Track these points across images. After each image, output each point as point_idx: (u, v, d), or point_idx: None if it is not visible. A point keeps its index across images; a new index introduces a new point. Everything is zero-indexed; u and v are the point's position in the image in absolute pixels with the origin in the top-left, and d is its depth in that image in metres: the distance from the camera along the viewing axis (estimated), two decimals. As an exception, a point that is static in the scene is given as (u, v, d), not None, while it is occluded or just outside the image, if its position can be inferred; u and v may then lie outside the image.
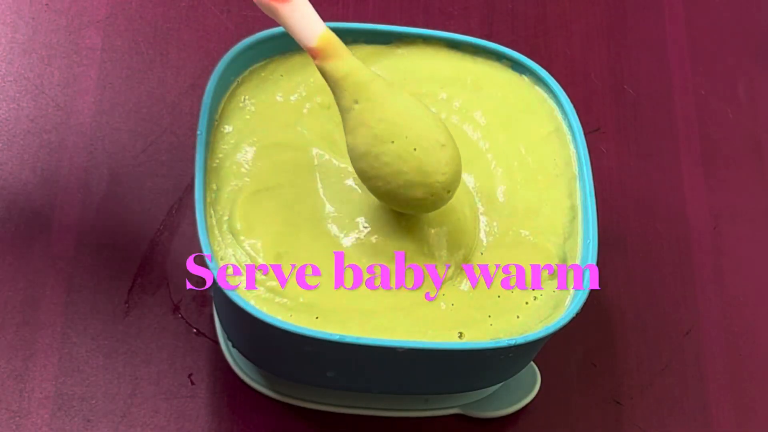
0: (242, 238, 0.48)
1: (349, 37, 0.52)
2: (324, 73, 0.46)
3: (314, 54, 0.46)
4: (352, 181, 0.50)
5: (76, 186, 0.60)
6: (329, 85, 0.46)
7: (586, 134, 0.52)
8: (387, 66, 0.54)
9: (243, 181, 0.49)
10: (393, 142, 0.45)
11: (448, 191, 0.47)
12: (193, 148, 0.49)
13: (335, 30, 0.46)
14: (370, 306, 0.48)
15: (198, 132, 0.49)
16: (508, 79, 0.54)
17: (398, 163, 0.46)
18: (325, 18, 0.46)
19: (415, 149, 0.45)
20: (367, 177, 0.47)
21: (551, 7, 0.70)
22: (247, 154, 0.50)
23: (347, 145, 0.47)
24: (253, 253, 0.47)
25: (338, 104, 0.47)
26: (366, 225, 0.49)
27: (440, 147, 0.46)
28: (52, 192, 0.60)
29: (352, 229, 0.49)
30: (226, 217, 0.48)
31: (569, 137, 0.53)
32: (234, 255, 0.47)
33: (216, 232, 0.48)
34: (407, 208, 0.48)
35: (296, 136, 0.51)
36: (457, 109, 0.53)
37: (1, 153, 0.60)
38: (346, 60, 0.46)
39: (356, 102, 0.46)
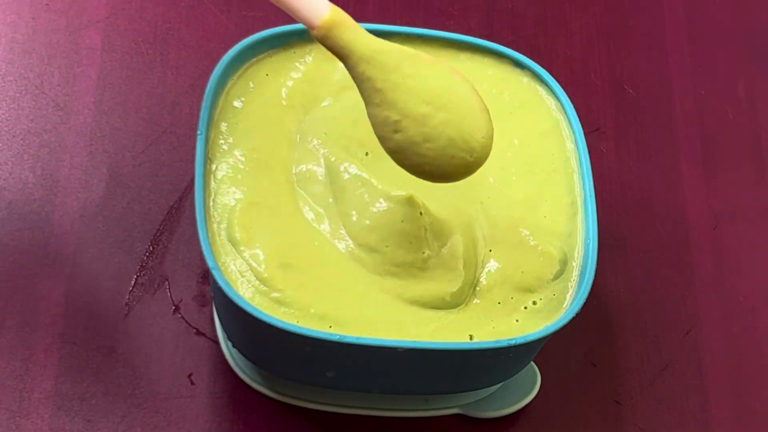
0: (242, 248, 0.47)
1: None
2: (342, 49, 0.44)
3: (328, 27, 0.44)
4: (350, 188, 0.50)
5: (76, 186, 0.60)
6: (346, 62, 0.45)
7: (586, 134, 0.52)
8: None
9: (240, 188, 0.49)
10: (439, 109, 0.44)
11: (487, 153, 0.46)
12: (193, 148, 0.48)
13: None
14: (378, 314, 0.47)
15: (198, 132, 0.49)
16: (507, 76, 0.54)
17: (443, 127, 0.44)
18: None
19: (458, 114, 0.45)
20: (412, 143, 0.45)
21: (551, 7, 0.70)
22: (243, 159, 0.49)
23: (376, 118, 0.45)
24: (254, 264, 0.47)
25: (363, 79, 0.45)
26: (369, 231, 0.49)
27: (480, 111, 0.45)
28: (52, 192, 0.60)
29: (355, 236, 0.49)
30: (224, 225, 0.48)
31: (569, 137, 0.53)
32: (233, 262, 0.47)
33: (216, 236, 0.48)
34: (444, 175, 0.46)
35: (288, 140, 0.51)
36: None
37: (1, 153, 0.60)
38: (365, 35, 0.45)
39: (389, 73, 0.44)
